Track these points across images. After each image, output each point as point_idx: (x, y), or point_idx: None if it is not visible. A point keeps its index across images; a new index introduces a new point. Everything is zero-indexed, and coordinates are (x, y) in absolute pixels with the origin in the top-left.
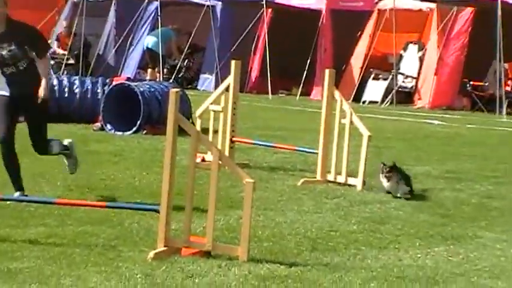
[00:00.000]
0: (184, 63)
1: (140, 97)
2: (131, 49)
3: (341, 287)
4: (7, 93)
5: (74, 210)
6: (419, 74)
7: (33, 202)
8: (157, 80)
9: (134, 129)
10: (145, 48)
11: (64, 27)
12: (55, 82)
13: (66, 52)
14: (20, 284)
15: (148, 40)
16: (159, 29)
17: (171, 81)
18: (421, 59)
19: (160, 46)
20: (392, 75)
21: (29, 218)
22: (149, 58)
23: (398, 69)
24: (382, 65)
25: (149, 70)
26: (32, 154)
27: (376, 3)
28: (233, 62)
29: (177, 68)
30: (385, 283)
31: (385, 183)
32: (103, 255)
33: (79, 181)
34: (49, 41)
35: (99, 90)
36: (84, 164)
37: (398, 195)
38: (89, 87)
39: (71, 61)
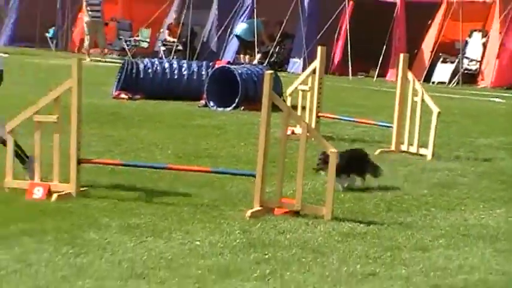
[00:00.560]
0: (276, 49)
1: (239, 78)
2: (231, 37)
3: (413, 243)
4: None
5: (183, 174)
6: (482, 57)
7: (148, 167)
8: (253, 63)
9: (233, 106)
10: (234, 34)
11: (174, 19)
12: (166, 65)
13: (175, 40)
14: (138, 236)
15: (238, 28)
16: (253, 20)
17: (264, 64)
18: (485, 45)
19: (256, 33)
20: (459, 59)
21: (144, 181)
22: (240, 44)
23: (464, 53)
24: (449, 50)
25: (241, 55)
26: (148, 127)
27: None
28: (319, 48)
29: (270, 53)
30: (452, 240)
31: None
32: (207, 213)
33: (187, 150)
34: (161, 30)
35: (203, 73)
36: (191, 136)
37: (340, 188)
38: (195, 69)
39: (180, 47)
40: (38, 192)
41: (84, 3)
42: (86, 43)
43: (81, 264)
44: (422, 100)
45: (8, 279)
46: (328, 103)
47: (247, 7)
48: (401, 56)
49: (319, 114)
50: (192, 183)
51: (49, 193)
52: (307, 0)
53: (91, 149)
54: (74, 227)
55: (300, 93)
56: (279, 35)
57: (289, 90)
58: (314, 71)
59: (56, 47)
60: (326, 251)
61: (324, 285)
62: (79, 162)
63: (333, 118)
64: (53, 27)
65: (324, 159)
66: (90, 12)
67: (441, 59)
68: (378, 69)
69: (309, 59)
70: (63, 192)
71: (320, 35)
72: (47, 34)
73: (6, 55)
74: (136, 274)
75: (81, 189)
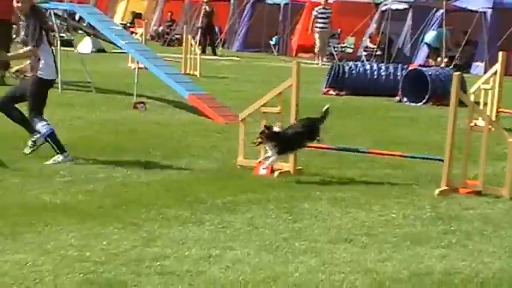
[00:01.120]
0: (460, 54)
1: (429, 78)
2: (422, 44)
3: None
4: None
5: (379, 158)
6: None
7: (352, 151)
8: (441, 66)
9: (424, 101)
10: (424, 42)
11: (374, 28)
12: (367, 67)
13: (375, 46)
14: (343, 208)
15: (427, 36)
16: (441, 29)
17: (451, 67)
18: None
19: (444, 40)
20: None
21: (348, 162)
22: (429, 50)
23: None
24: None
25: (430, 59)
26: (351, 117)
27: None
28: (500, 53)
29: (455, 57)
30: None
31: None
32: (401, 190)
33: (384, 137)
34: (364, 38)
35: (398, 73)
36: (388, 125)
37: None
38: (391, 71)
39: (379, 52)
40: (263, 170)
41: (313, 16)
42: (316, 49)
43: (298, 229)
44: None
45: (241, 238)
46: (506, 100)
47: (437, 19)
48: None
49: (499, 109)
50: (388, 165)
51: (272, 170)
52: (489, 13)
53: None
54: (291, 198)
55: (482, 91)
56: (464, 41)
57: (472, 89)
58: (495, 73)
59: (277, 52)
60: (505, 225)
61: (502, 254)
62: None
63: (511, 113)
64: (276, 36)
65: (262, 134)
66: (319, 24)
67: None
68: None
69: (490, 63)
70: (283, 170)
71: (500, 42)
72: (270, 41)
73: (238, 59)
74: (343, 238)
75: (298, 168)
